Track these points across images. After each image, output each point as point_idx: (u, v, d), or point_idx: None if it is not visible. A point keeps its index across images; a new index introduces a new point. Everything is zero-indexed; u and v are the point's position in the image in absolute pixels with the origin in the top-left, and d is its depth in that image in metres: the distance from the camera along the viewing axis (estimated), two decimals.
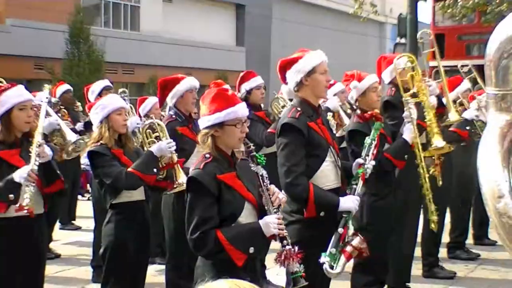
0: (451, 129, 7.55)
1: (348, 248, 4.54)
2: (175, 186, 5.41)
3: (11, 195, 4.51)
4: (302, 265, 3.93)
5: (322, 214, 4.58)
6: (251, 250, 3.79)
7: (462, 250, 8.74)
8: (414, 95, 6.31)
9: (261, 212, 3.95)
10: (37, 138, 4.70)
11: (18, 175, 4.54)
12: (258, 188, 3.96)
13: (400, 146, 5.96)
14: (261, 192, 3.93)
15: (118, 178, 5.04)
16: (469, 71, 9.18)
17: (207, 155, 3.92)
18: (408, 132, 5.94)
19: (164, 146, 5.20)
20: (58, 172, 4.90)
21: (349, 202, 4.79)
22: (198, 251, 3.88)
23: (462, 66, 9.28)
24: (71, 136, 6.80)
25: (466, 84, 8.61)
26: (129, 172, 5.02)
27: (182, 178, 5.35)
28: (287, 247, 3.88)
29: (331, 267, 4.59)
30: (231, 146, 3.99)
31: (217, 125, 3.91)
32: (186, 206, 3.88)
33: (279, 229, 3.86)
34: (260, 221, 3.86)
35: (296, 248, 3.91)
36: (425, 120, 6.33)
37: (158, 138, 5.52)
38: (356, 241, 4.58)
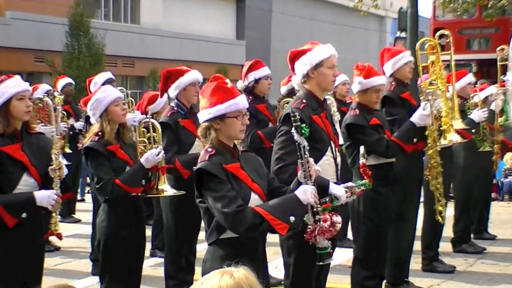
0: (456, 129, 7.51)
1: (327, 216, 4.53)
2: (153, 191, 5.38)
3: (25, 214, 4.59)
4: (330, 242, 3.93)
5: None
6: (292, 219, 3.75)
7: (467, 244, 8.74)
8: (432, 83, 6.25)
9: (273, 197, 3.92)
10: (56, 161, 4.81)
11: (46, 201, 4.62)
12: (298, 159, 3.93)
13: (407, 128, 5.96)
14: (300, 164, 3.91)
15: (104, 189, 5.09)
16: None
17: (209, 149, 3.91)
18: (418, 116, 5.96)
19: (152, 157, 5.21)
20: (69, 184, 5.00)
21: (341, 189, 4.80)
22: (238, 226, 3.72)
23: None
24: None
25: (469, 77, 8.59)
26: (115, 184, 5.05)
27: (163, 186, 5.37)
28: (321, 223, 3.87)
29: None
30: (233, 138, 3.99)
31: (218, 118, 3.91)
32: (208, 195, 3.81)
33: (314, 201, 3.85)
34: (296, 191, 3.84)
35: (329, 223, 3.90)
36: (441, 111, 6.26)
37: (150, 140, 5.45)
38: (336, 217, 4.56)
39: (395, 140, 5.89)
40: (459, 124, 7.17)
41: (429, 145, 6.17)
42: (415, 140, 6.02)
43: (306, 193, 3.83)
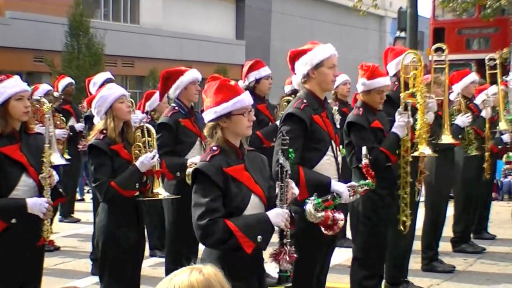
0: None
1: (329, 213, 4.53)
2: (149, 194, 5.39)
3: (14, 220, 4.57)
4: (292, 266, 3.93)
5: (315, 195, 4.56)
6: (259, 238, 3.75)
7: (467, 244, 8.75)
8: (412, 95, 6.26)
9: (269, 204, 3.92)
10: (46, 169, 4.76)
11: (37, 209, 4.61)
12: (277, 180, 3.91)
13: (391, 138, 5.96)
14: (278, 187, 3.89)
15: (99, 189, 5.12)
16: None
17: (214, 148, 3.88)
18: (400, 129, 5.96)
19: (147, 161, 5.19)
20: (61, 190, 4.98)
21: (342, 186, 4.81)
22: (205, 239, 3.76)
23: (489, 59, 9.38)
24: (57, 160, 6.61)
25: (472, 76, 8.58)
26: (111, 186, 5.06)
27: (158, 189, 5.38)
28: (287, 247, 3.87)
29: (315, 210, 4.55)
30: (240, 135, 3.97)
31: (224, 116, 3.89)
32: (192, 197, 3.82)
33: (285, 225, 3.84)
34: (269, 212, 3.84)
35: (293, 248, 3.91)
36: (415, 123, 6.26)
37: (145, 144, 5.42)
38: (338, 214, 4.56)
39: (383, 149, 5.87)
40: (449, 139, 7.16)
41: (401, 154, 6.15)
42: (397, 151, 6.03)
43: (278, 216, 3.81)
